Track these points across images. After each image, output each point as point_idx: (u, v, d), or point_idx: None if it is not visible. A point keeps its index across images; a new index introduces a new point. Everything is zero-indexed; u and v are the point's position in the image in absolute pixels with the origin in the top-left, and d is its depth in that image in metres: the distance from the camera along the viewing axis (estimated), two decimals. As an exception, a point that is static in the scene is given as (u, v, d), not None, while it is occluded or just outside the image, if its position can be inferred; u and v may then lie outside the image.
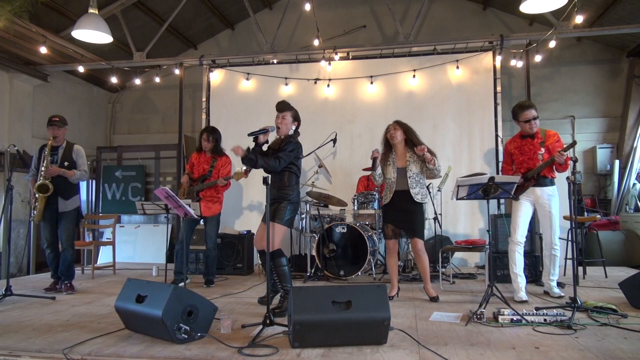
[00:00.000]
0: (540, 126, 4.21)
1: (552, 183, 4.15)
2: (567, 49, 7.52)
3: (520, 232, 4.16)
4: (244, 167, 4.95)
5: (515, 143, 4.30)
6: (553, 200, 4.11)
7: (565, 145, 4.00)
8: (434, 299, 4.08)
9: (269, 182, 3.38)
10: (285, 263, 3.83)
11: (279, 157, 3.79)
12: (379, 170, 4.28)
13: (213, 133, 5.23)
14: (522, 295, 4.04)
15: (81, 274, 6.04)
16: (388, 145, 4.31)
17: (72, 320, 3.52)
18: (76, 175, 4.73)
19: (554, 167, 4.07)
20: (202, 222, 5.17)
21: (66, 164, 4.72)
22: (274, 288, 4.00)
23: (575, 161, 3.91)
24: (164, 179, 8.29)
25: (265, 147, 3.96)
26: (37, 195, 4.58)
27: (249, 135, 3.79)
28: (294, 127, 4.00)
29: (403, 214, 4.15)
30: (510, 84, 7.59)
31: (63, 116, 4.84)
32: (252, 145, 3.94)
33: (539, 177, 4.10)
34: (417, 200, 4.12)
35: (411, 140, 4.22)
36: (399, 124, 4.29)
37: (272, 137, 3.93)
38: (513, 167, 4.32)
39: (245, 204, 7.02)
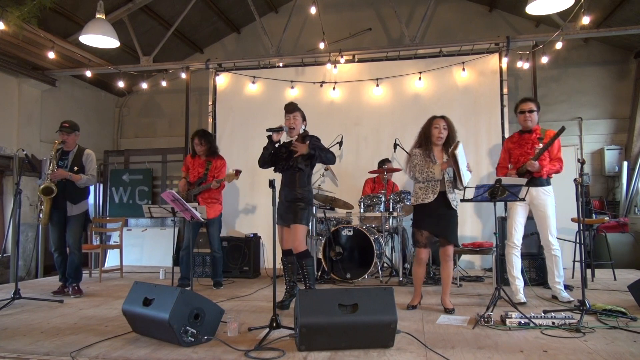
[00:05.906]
0: (547, 127, 4.21)
1: (547, 183, 4.13)
2: (574, 50, 7.48)
3: (517, 235, 4.14)
4: (234, 169, 5.04)
5: (513, 139, 4.35)
6: (548, 199, 4.09)
7: (553, 138, 3.96)
8: (450, 311, 3.75)
9: (274, 184, 3.38)
10: (312, 263, 3.99)
11: (325, 150, 3.98)
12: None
13: (205, 136, 5.28)
14: (521, 297, 4.02)
15: (89, 277, 6.07)
16: (427, 139, 3.86)
17: (80, 324, 3.54)
18: (83, 180, 4.74)
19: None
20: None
21: (75, 168, 4.74)
22: (291, 292, 4.03)
23: (582, 163, 3.88)
24: (171, 182, 8.31)
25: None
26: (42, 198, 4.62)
27: (268, 130, 3.99)
28: (303, 127, 4.16)
29: (439, 219, 3.79)
30: (517, 86, 7.55)
31: (74, 122, 4.86)
32: (264, 142, 4.03)
33: (533, 177, 4.05)
34: (453, 207, 3.81)
35: (449, 141, 3.83)
36: (448, 123, 3.84)
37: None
38: (509, 166, 4.30)
39: (251, 207, 7.03)
